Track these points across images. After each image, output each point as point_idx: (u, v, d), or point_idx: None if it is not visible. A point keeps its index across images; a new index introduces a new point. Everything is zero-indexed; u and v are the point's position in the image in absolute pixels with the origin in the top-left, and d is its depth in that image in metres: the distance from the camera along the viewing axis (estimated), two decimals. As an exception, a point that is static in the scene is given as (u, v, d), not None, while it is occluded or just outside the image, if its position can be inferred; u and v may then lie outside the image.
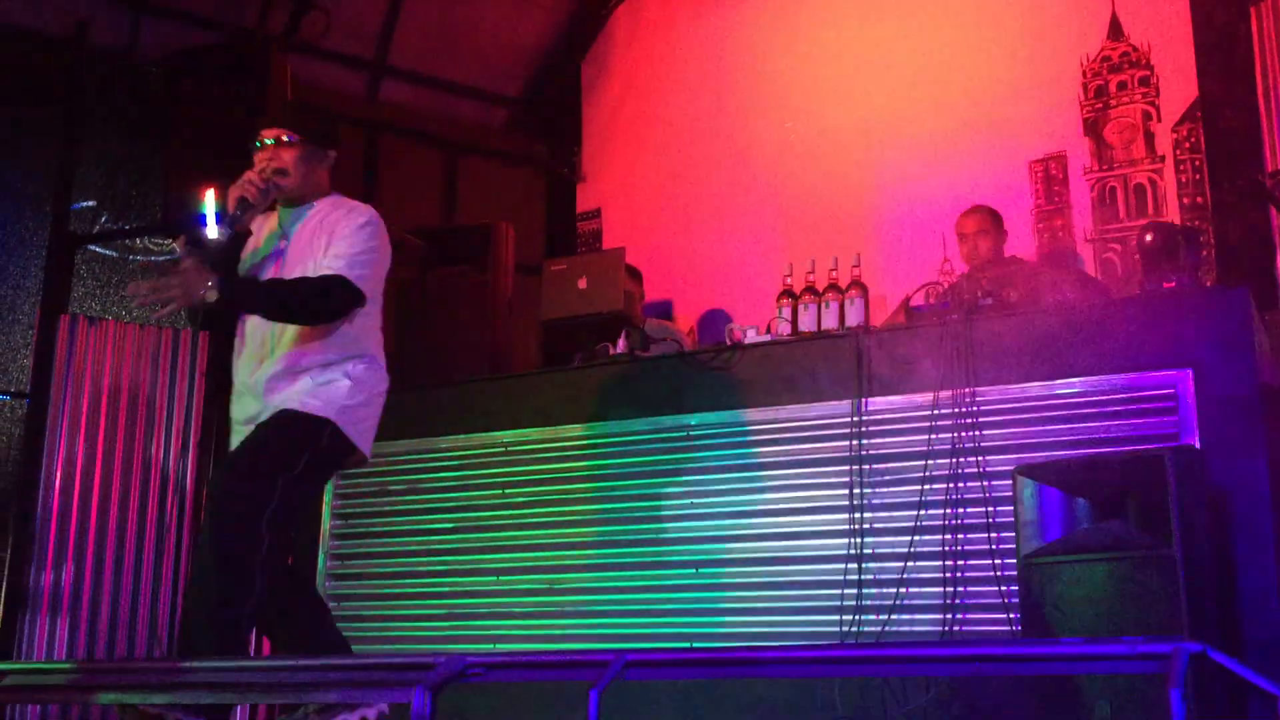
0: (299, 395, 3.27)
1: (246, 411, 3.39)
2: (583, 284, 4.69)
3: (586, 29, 7.86)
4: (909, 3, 6.47)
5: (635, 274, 5.45)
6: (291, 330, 3.33)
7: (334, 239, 3.34)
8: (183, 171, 5.42)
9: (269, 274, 3.37)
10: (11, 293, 5.89)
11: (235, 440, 3.39)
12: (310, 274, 3.29)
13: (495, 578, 4.30)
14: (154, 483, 5.92)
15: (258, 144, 3.45)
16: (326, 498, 4.76)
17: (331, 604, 4.60)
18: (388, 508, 4.61)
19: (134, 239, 6.20)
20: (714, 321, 5.88)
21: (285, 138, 3.45)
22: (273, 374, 3.32)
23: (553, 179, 7.93)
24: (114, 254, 6.19)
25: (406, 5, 7.22)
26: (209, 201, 5.15)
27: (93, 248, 6.13)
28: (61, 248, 5.95)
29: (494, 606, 4.28)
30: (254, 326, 3.40)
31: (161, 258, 6.30)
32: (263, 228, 3.49)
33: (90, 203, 6.15)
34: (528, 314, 5.44)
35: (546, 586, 4.18)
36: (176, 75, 5.62)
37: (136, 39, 6.46)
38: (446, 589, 4.39)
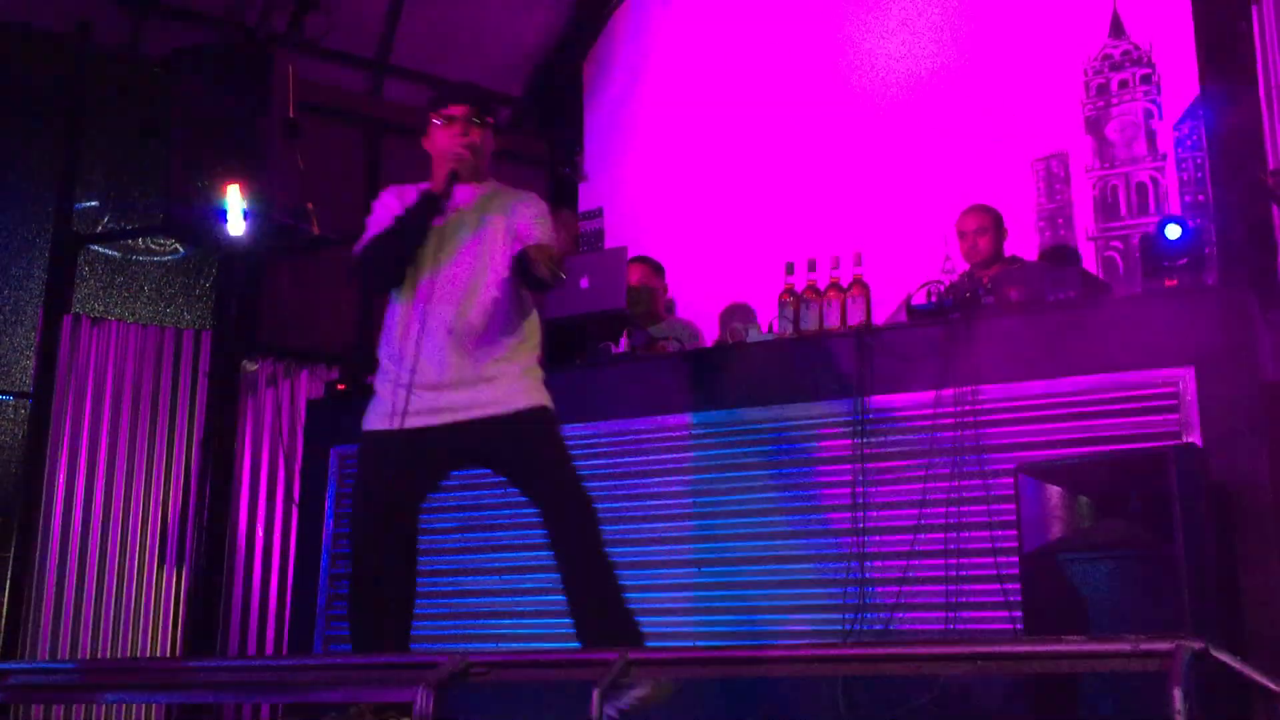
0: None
1: (447, 401, 3.16)
2: (585, 283, 4.70)
3: (588, 28, 7.86)
4: (911, 1, 6.47)
5: (658, 268, 5.46)
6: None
7: (525, 227, 3.21)
8: (185, 171, 5.42)
9: (456, 248, 3.19)
10: (14, 293, 5.89)
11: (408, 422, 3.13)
12: (497, 254, 3.18)
13: (498, 576, 4.30)
14: (157, 482, 5.93)
15: (443, 119, 3.26)
16: (328, 496, 4.77)
17: (334, 603, 4.61)
18: (390, 507, 4.60)
19: (137, 239, 6.20)
20: (737, 315, 5.85)
21: (476, 116, 3.27)
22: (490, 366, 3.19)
23: (555, 178, 7.93)
24: (117, 254, 6.20)
25: (408, 4, 7.22)
26: (232, 198, 5.17)
27: (95, 248, 6.13)
28: (64, 248, 5.96)
29: (497, 605, 4.28)
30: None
31: (164, 257, 6.31)
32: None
33: (93, 203, 6.16)
34: (530, 313, 5.44)
35: (550, 585, 4.18)
36: (179, 74, 5.62)
37: (139, 38, 6.46)
38: (449, 588, 4.39)
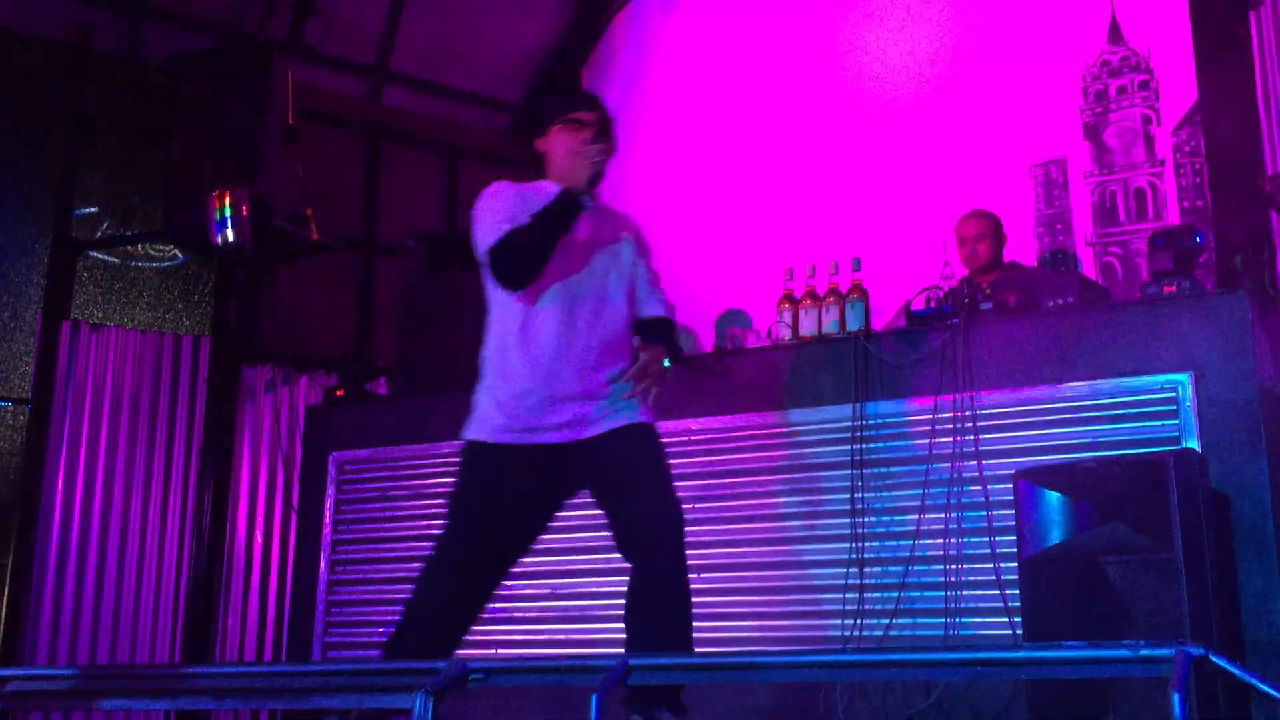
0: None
1: (563, 416, 3.08)
2: (584, 289, 4.70)
3: (587, 35, 7.87)
4: (909, 7, 6.49)
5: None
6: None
7: (643, 261, 3.32)
8: (185, 177, 5.43)
9: (592, 257, 3.17)
10: (13, 299, 5.89)
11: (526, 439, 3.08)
12: (625, 271, 3.23)
13: (497, 583, 4.29)
14: (155, 489, 5.93)
15: (574, 123, 3.19)
16: (327, 503, 4.76)
17: (333, 609, 4.61)
18: (389, 513, 4.61)
19: (136, 245, 6.21)
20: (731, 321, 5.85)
21: (608, 127, 3.24)
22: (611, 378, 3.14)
23: (553, 184, 7.93)
24: (116, 260, 6.20)
25: (408, 11, 7.23)
26: (231, 204, 5.17)
27: (95, 254, 6.14)
28: (63, 254, 5.96)
29: (494, 611, 4.28)
30: (587, 328, 3.13)
31: (164, 263, 6.31)
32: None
33: (92, 209, 6.16)
34: (529, 319, 5.44)
35: (548, 591, 4.18)
36: (178, 80, 5.63)
37: (139, 44, 6.47)
38: (448, 594, 4.38)
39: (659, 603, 2.96)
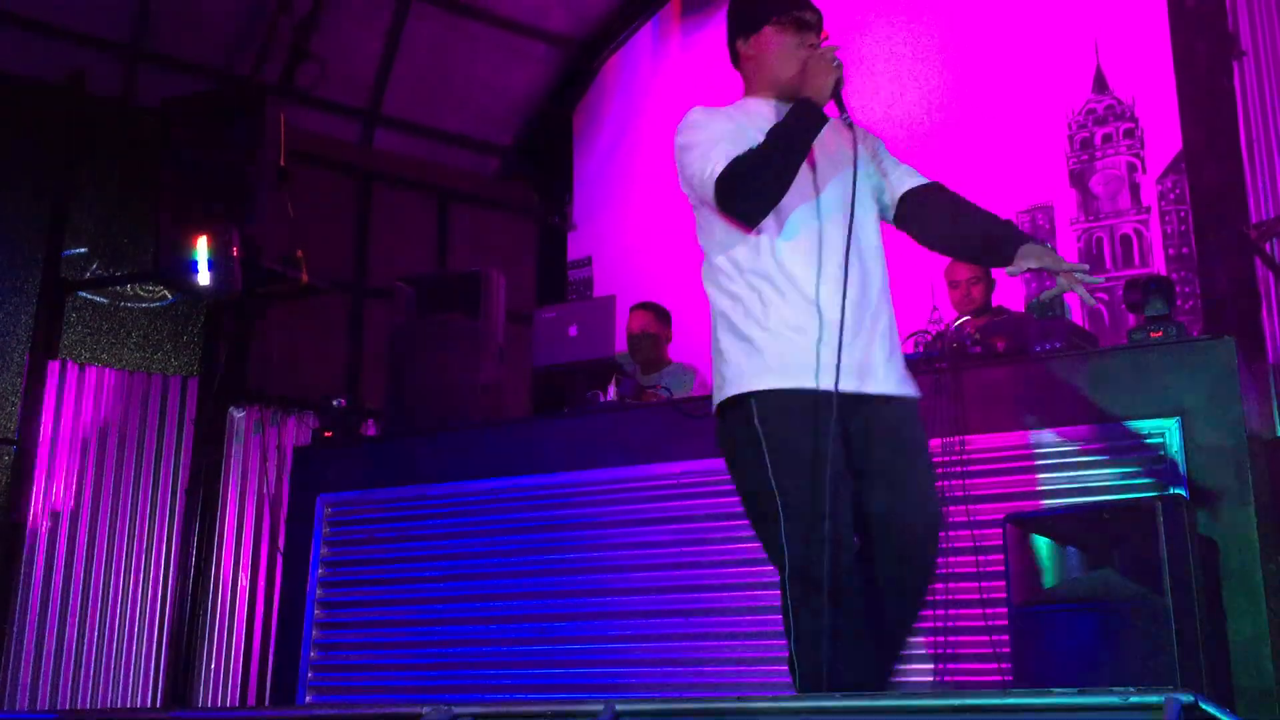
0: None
1: (875, 378, 2.54)
2: (573, 331, 4.71)
3: (577, 79, 7.94)
4: (896, 57, 6.56)
5: (662, 314, 5.49)
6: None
7: (889, 157, 2.75)
8: (175, 219, 5.44)
9: (847, 180, 2.58)
10: (1, 339, 5.88)
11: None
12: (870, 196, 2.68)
13: (484, 626, 4.27)
14: (141, 529, 5.89)
15: (793, 22, 2.65)
16: (314, 545, 4.74)
17: (319, 653, 4.57)
18: (376, 556, 4.58)
19: (125, 285, 6.21)
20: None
21: (821, 27, 2.70)
22: (891, 335, 2.63)
23: (544, 227, 7.98)
24: (105, 300, 6.20)
25: (400, 55, 7.29)
26: (200, 249, 5.19)
27: (83, 294, 6.14)
28: (52, 294, 5.96)
29: (483, 655, 4.25)
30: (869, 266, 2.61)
31: (153, 304, 6.31)
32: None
33: (82, 249, 6.17)
34: (519, 361, 5.46)
35: (536, 635, 4.16)
36: (171, 123, 5.65)
37: (133, 87, 6.51)
38: (435, 637, 4.36)
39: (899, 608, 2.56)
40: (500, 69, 7.66)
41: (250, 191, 5.36)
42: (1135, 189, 5.80)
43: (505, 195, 7.98)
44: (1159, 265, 5.62)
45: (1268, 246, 4.95)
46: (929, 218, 2.72)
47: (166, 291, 6.26)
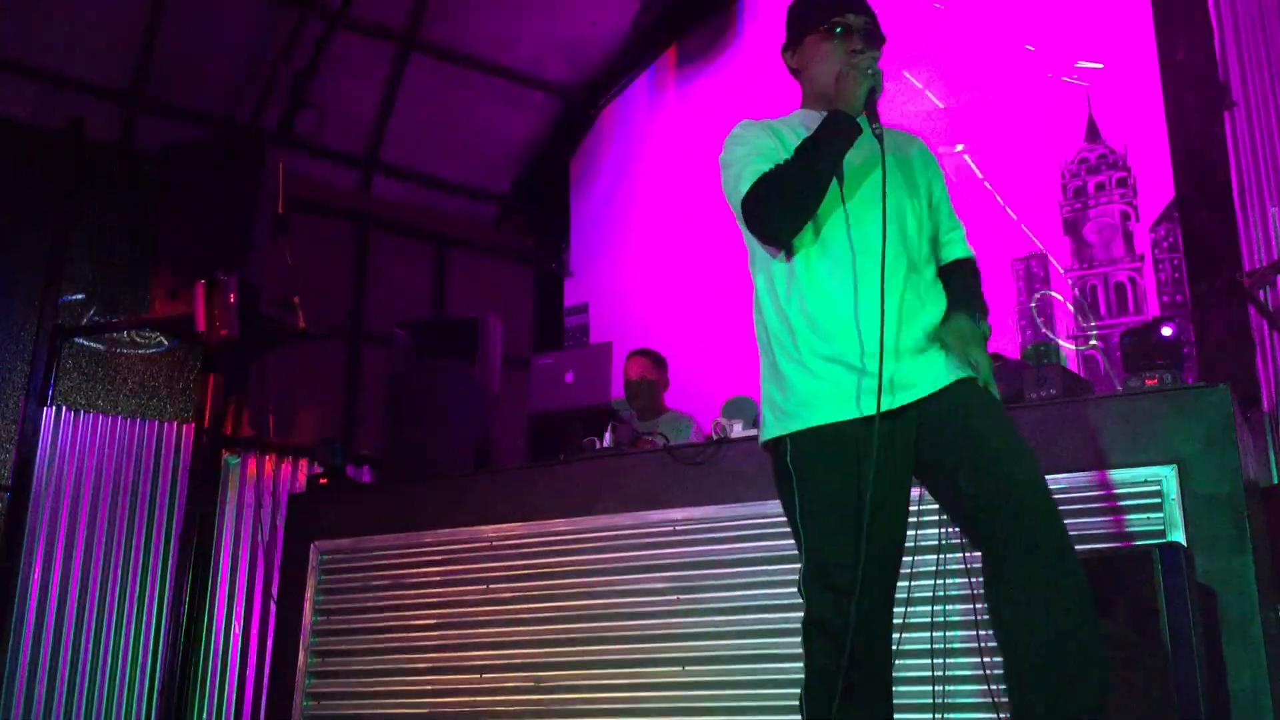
0: None
1: (928, 379, 2.43)
2: (569, 378, 4.72)
3: (575, 127, 8.00)
4: (896, 105, 6.62)
5: (659, 361, 5.50)
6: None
7: (938, 189, 2.65)
8: (173, 265, 5.46)
9: (882, 194, 2.42)
10: (-3, 385, 5.88)
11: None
12: (924, 205, 2.59)
13: (479, 675, 4.24)
14: (134, 577, 5.85)
15: (834, 27, 2.53)
16: (307, 592, 4.71)
17: (311, 702, 4.53)
18: (370, 603, 4.55)
19: (121, 332, 6.22)
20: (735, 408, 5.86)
21: (876, 31, 2.58)
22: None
23: (540, 274, 8.00)
24: (101, 347, 6.20)
25: (398, 103, 7.35)
26: (219, 293, 5.18)
27: (80, 340, 6.14)
28: (49, 340, 5.96)
29: (478, 704, 4.21)
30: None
31: (149, 350, 6.31)
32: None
33: (79, 295, 6.18)
34: (515, 407, 5.46)
35: (531, 684, 4.12)
36: (170, 170, 5.69)
37: (132, 134, 6.55)
38: (429, 687, 4.32)
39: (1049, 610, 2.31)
40: (498, 117, 7.72)
41: (248, 238, 5.39)
42: (1129, 237, 5.84)
43: (502, 242, 8.01)
44: (1153, 313, 5.64)
45: (1261, 294, 4.97)
46: None
47: (163, 338, 6.26)
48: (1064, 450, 3.47)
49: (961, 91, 6.40)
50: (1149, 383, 3.45)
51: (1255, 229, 5.15)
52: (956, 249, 2.67)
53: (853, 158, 2.44)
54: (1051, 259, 6.02)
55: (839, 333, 2.41)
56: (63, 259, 6.12)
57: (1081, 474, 3.43)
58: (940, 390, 2.42)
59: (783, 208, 2.43)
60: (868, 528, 2.29)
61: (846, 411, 2.36)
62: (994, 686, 3.31)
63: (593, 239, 7.83)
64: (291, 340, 5.86)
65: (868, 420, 2.30)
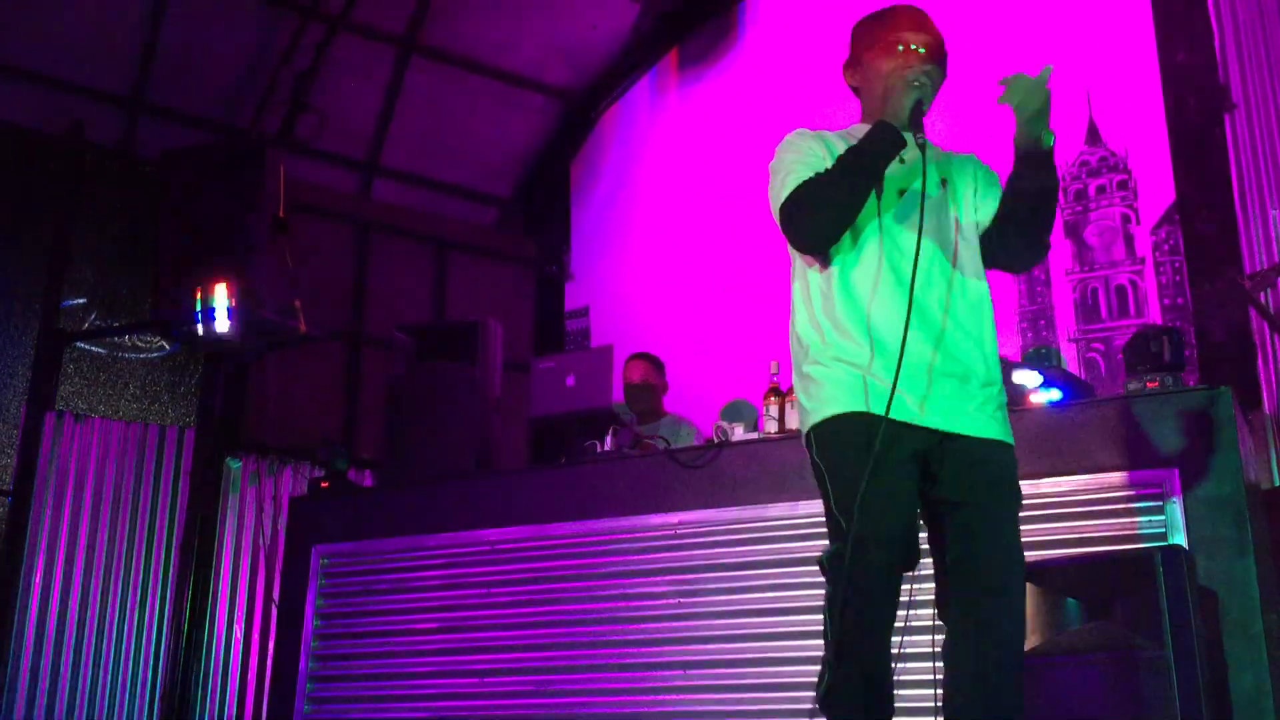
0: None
1: (955, 418, 2.39)
2: (570, 381, 4.72)
3: (575, 130, 8.01)
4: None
5: (659, 365, 5.50)
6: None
7: (988, 203, 2.62)
8: (174, 269, 5.46)
9: (923, 209, 2.42)
10: (-2, 389, 5.88)
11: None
12: (970, 229, 2.56)
13: (480, 679, 4.23)
14: (135, 581, 5.85)
15: (899, 40, 2.55)
16: (309, 596, 4.71)
17: (312, 706, 4.53)
18: (371, 607, 4.55)
19: (123, 336, 6.22)
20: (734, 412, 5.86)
21: (937, 49, 2.59)
22: (986, 375, 2.47)
23: (541, 277, 8.00)
24: (103, 351, 6.21)
25: (399, 107, 7.36)
26: (220, 296, 5.19)
27: (81, 345, 6.14)
28: (50, 345, 5.96)
29: (479, 709, 4.21)
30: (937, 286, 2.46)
31: (151, 354, 6.31)
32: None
33: (80, 300, 6.19)
34: (516, 411, 5.46)
35: (533, 688, 4.12)
36: (170, 174, 5.69)
37: (132, 138, 6.56)
38: (431, 691, 4.32)
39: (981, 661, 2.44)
40: (499, 121, 7.73)
41: (249, 242, 5.39)
42: (1129, 240, 5.84)
43: (503, 245, 8.02)
44: (1154, 315, 5.64)
45: (1262, 296, 4.97)
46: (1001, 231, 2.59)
47: (164, 342, 6.26)
48: (1065, 453, 3.47)
49: (961, 92, 6.39)
50: (1150, 385, 3.45)
51: (1256, 231, 5.15)
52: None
53: (895, 169, 2.44)
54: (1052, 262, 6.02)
55: (860, 336, 2.41)
56: (64, 263, 6.12)
57: (1083, 477, 3.43)
58: (976, 439, 2.40)
59: (819, 216, 2.43)
60: (868, 506, 2.29)
61: (860, 405, 2.36)
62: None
63: (593, 242, 7.83)
64: (292, 344, 5.85)
65: (878, 419, 2.29)
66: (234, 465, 6.17)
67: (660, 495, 4.07)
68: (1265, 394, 4.99)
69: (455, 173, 7.80)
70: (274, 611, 5.24)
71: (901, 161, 2.44)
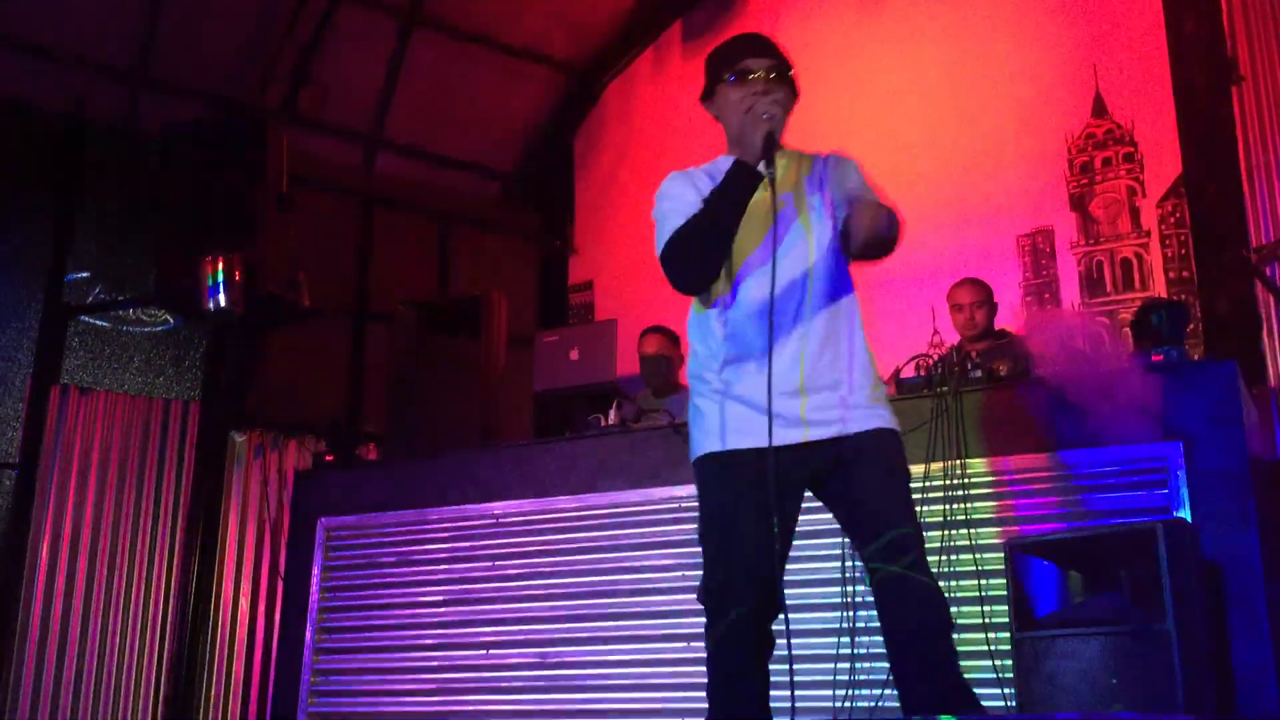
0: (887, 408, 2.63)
1: (841, 422, 2.56)
2: (574, 355, 4.72)
3: (579, 104, 7.97)
4: (897, 81, 6.58)
5: (674, 338, 5.49)
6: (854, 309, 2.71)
7: (852, 183, 2.73)
8: (178, 243, 5.45)
9: (784, 233, 2.60)
10: (3, 363, 5.89)
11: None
12: (827, 236, 2.66)
13: (485, 651, 4.26)
14: (141, 553, 5.88)
15: (738, 75, 2.69)
16: (314, 569, 4.73)
17: (318, 678, 4.56)
18: (377, 580, 4.57)
19: (128, 310, 6.23)
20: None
21: (783, 71, 2.68)
22: (857, 379, 2.64)
23: (545, 251, 7.99)
24: (107, 325, 6.21)
25: (402, 80, 7.32)
26: (203, 273, 5.19)
27: (85, 319, 6.14)
28: (54, 319, 5.97)
29: (484, 680, 4.24)
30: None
31: (155, 328, 6.32)
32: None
33: (84, 274, 6.19)
34: (520, 385, 5.46)
35: (537, 660, 4.14)
36: (173, 148, 5.67)
37: (135, 113, 6.53)
38: (436, 663, 4.35)
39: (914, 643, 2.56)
40: (502, 94, 7.69)
41: (252, 216, 5.38)
42: (1135, 213, 5.82)
43: (507, 219, 8.00)
44: (1160, 289, 5.63)
45: (1268, 270, 4.95)
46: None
47: (168, 316, 6.27)
48: (1069, 426, 3.47)
49: (968, 67, 6.37)
50: (1155, 359, 3.44)
51: (1263, 204, 5.13)
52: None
53: (753, 201, 2.57)
54: (1058, 234, 6.00)
55: (743, 371, 2.57)
56: (68, 237, 6.12)
57: (1087, 450, 3.43)
58: (856, 434, 2.56)
59: (691, 265, 2.61)
60: (747, 547, 2.54)
61: (743, 441, 2.54)
62: (998, 661, 3.32)
63: (597, 216, 7.81)
64: (297, 317, 5.85)
65: (762, 451, 2.45)
66: (239, 439, 6.18)
67: (665, 469, 4.08)
68: (1270, 367, 4.98)
69: (459, 146, 7.78)
70: (279, 584, 5.27)
71: (763, 191, 2.57)
